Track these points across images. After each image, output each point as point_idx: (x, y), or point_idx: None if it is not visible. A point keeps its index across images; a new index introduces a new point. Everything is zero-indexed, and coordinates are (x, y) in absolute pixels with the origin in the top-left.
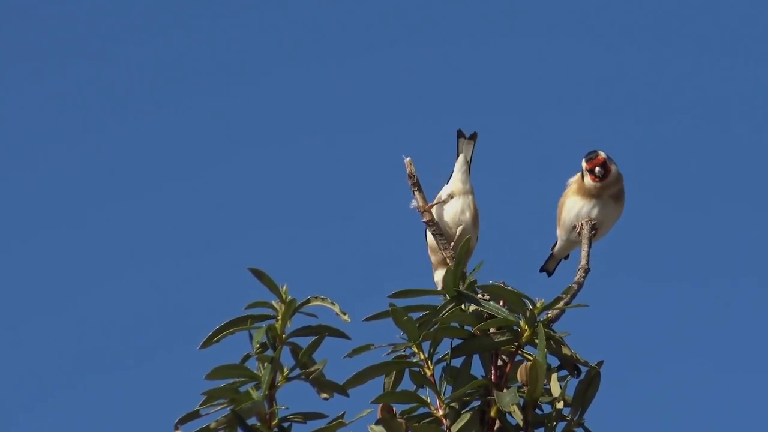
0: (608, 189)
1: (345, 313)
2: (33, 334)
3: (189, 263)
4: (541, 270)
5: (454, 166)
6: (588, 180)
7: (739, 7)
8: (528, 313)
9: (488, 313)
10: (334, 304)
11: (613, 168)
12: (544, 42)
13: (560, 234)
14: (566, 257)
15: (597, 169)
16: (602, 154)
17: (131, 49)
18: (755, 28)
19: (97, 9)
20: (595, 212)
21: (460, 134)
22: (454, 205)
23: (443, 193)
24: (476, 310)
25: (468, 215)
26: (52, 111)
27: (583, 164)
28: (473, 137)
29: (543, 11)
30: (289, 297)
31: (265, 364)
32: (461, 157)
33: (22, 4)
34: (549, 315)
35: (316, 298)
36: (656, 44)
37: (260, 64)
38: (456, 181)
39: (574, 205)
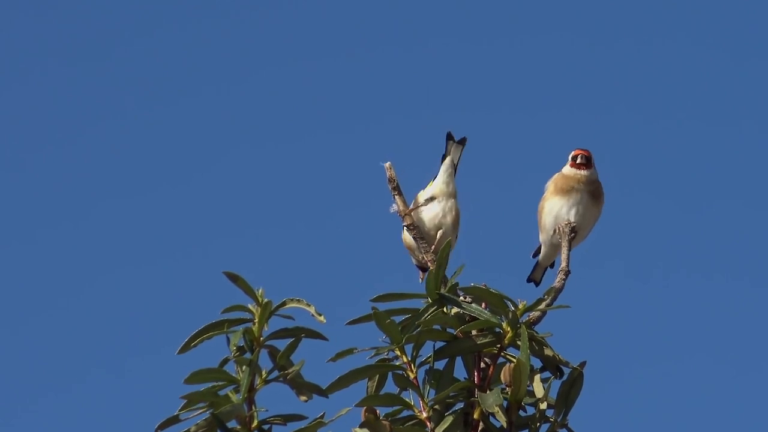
0: (584, 183)
1: (321, 315)
2: (23, 332)
3: (166, 267)
4: (529, 280)
5: (439, 168)
6: (568, 167)
7: (739, 7)
8: (510, 315)
9: (470, 316)
10: (309, 306)
11: (593, 169)
12: (542, 42)
13: (543, 239)
14: (551, 265)
15: (580, 156)
16: (591, 153)
17: (129, 48)
18: (755, 28)
19: (96, 9)
20: (573, 213)
21: (449, 137)
22: (435, 208)
23: (422, 197)
24: (458, 312)
25: (449, 219)
26: (48, 110)
27: (571, 153)
28: (462, 141)
29: (542, 11)
30: (265, 300)
31: (244, 367)
32: (448, 159)
33: (21, 4)
34: (531, 316)
35: (291, 300)
36: (655, 44)
37: (250, 66)
38: (440, 183)
39: (553, 207)
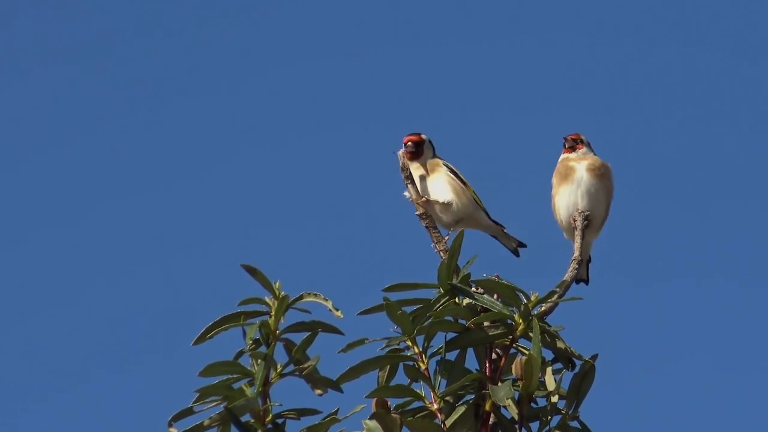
0: (577, 162)
1: (338, 309)
2: (29, 332)
3: (182, 260)
4: (577, 281)
5: (496, 220)
6: (561, 154)
7: (739, 7)
8: (522, 307)
9: (482, 307)
10: (327, 300)
11: (583, 147)
12: (542, 42)
13: (569, 237)
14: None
15: (567, 141)
16: (581, 134)
17: (129, 48)
18: (755, 28)
19: (96, 9)
20: (579, 196)
21: (520, 244)
22: (447, 215)
23: (447, 196)
24: (470, 303)
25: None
26: (48, 110)
27: None
28: (516, 247)
29: (542, 11)
30: (282, 293)
31: (259, 360)
32: (503, 233)
33: (21, 4)
34: (543, 308)
35: (309, 294)
36: (655, 44)
37: (254, 65)
38: (476, 219)
39: (562, 198)
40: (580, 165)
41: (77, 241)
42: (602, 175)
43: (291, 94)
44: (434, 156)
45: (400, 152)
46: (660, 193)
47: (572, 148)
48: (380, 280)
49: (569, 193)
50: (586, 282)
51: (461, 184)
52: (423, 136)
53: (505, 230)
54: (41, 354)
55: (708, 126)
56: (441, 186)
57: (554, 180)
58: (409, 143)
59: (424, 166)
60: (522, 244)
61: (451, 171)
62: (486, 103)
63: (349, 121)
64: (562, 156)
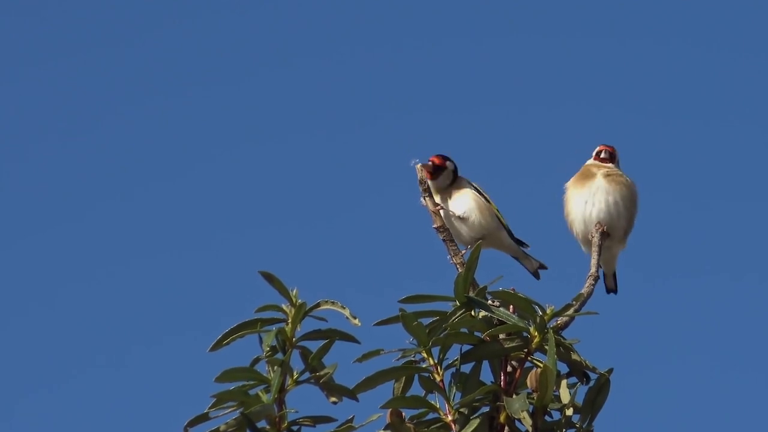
0: (603, 172)
1: (355, 317)
2: (31, 331)
3: (198, 265)
4: (608, 291)
5: (515, 236)
6: (591, 161)
7: (740, 7)
8: (538, 320)
9: (498, 319)
10: (344, 308)
11: (617, 166)
12: (543, 42)
13: (587, 250)
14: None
15: (604, 151)
16: (615, 149)
17: (129, 48)
18: (756, 28)
19: (96, 8)
20: (596, 208)
21: (541, 266)
22: (465, 226)
23: (463, 208)
24: (486, 316)
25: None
26: (48, 109)
27: (597, 148)
28: (536, 270)
29: (543, 11)
30: (300, 300)
31: (275, 367)
32: (521, 252)
33: (21, 3)
34: (559, 322)
35: (326, 301)
36: (656, 44)
37: (254, 65)
38: (494, 233)
39: (576, 205)
40: (602, 175)
41: (77, 240)
42: (623, 186)
43: (291, 94)
44: (459, 177)
45: (418, 165)
46: (660, 192)
47: (607, 160)
48: (396, 290)
49: (583, 196)
50: (615, 292)
51: (485, 201)
52: (448, 164)
53: (526, 251)
54: (43, 353)
55: (708, 125)
56: (464, 201)
57: (569, 186)
58: (431, 163)
59: (450, 186)
60: (543, 266)
61: (477, 190)
62: (486, 103)
63: (349, 120)
64: (591, 162)
